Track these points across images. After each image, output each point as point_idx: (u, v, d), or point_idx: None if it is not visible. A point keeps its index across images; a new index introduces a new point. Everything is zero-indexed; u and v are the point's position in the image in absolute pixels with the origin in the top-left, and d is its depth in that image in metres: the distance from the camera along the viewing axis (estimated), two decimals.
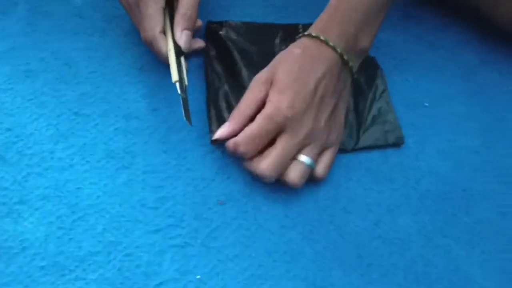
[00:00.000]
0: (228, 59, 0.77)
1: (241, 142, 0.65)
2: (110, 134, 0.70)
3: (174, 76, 0.71)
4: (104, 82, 0.74)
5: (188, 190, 0.66)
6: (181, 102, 0.70)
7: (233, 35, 0.79)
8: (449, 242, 0.67)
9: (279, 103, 0.63)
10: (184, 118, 0.68)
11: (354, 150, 0.74)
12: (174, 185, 0.66)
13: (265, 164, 0.66)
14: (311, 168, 0.68)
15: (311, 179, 0.69)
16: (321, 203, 0.68)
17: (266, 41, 0.80)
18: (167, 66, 0.76)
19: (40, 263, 0.59)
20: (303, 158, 0.66)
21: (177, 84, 0.71)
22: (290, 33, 0.83)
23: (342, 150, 0.73)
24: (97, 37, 0.79)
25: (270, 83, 0.65)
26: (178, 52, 0.73)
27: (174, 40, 0.74)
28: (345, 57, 0.67)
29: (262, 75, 0.66)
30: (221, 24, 0.82)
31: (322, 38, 0.67)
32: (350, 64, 0.68)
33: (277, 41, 0.81)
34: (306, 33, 0.70)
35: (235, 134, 0.65)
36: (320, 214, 0.67)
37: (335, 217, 0.67)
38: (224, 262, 0.62)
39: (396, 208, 0.69)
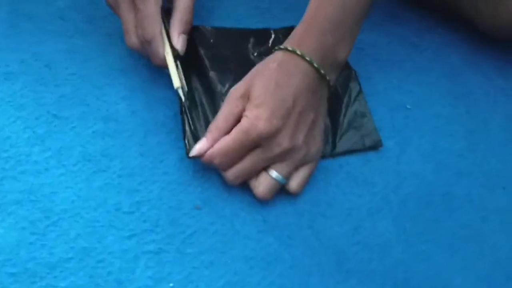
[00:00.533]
0: (200, 66, 0.73)
1: (216, 155, 0.63)
2: (88, 137, 0.67)
3: (176, 82, 0.68)
4: (84, 84, 0.71)
5: (164, 194, 0.63)
6: (183, 112, 0.69)
7: (205, 41, 0.76)
8: (430, 247, 0.64)
9: (255, 119, 0.61)
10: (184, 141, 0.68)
11: (332, 156, 0.70)
12: (150, 189, 0.64)
13: (231, 172, 0.64)
14: (281, 184, 0.65)
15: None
16: (300, 207, 0.66)
17: (238, 47, 0.77)
18: (148, 68, 0.74)
19: (11, 269, 0.57)
20: (274, 174, 0.64)
21: (180, 91, 0.69)
22: (262, 38, 0.80)
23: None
24: (79, 39, 0.76)
25: (247, 97, 0.62)
26: (175, 56, 0.69)
27: (170, 44, 0.70)
28: (322, 71, 0.64)
29: (238, 89, 0.63)
30: (195, 28, 0.78)
31: (298, 52, 0.63)
32: (327, 78, 0.65)
33: (250, 46, 0.77)
34: (282, 46, 0.66)
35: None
36: (299, 219, 0.64)
37: (314, 222, 0.65)
38: (199, 269, 0.59)
39: (376, 212, 0.66)
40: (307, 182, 0.67)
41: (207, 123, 0.69)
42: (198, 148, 0.64)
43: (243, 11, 0.86)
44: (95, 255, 0.59)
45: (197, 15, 0.81)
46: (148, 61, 0.74)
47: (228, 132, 0.63)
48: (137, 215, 0.62)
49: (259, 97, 0.62)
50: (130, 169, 0.65)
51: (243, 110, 0.64)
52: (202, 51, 0.74)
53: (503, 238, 0.67)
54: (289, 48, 0.65)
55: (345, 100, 0.76)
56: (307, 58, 0.64)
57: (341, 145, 0.72)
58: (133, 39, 0.68)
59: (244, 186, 0.66)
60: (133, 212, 0.62)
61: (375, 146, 0.73)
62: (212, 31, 0.77)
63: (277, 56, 0.66)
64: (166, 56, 0.69)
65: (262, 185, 0.64)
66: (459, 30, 0.89)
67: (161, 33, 0.69)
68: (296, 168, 0.66)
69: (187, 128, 0.67)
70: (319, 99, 0.66)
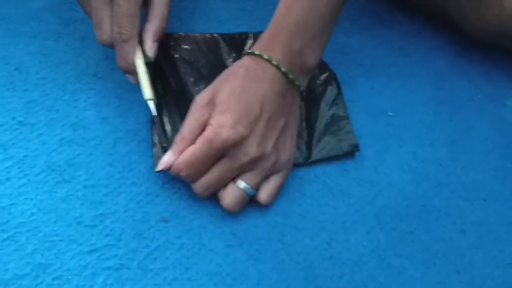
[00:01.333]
0: (174, 74, 0.68)
1: (182, 167, 0.59)
2: (54, 145, 0.62)
3: (147, 93, 0.63)
4: (54, 89, 0.67)
5: (130, 206, 0.59)
6: (153, 126, 0.64)
7: (179, 48, 0.71)
8: (403, 262, 0.60)
9: (220, 128, 0.56)
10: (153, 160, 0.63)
11: (308, 164, 0.65)
12: (116, 200, 0.59)
13: (199, 184, 0.60)
14: (249, 195, 0.60)
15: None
16: (271, 219, 0.61)
17: (213, 53, 0.72)
18: (121, 73, 0.69)
19: None
20: (242, 184, 0.59)
21: (151, 103, 0.64)
22: (238, 42, 0.75)
23: (295, 165, 0.64)
24: (52, 41, 0.72)
25: (213, 104, 0.58)
26: (146, 63, 0.64)
27: (141, 50, 0.65)
28: (291, 76, 0.60)
29: (204, 97, 0.59)
30: (168, 35, 0.73)
31: (265, 56, 0.59)
32: (297, 83, 0.61)
33: (224, 52, 0.72)
34: (249, 50, 0.62)
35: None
36: (269, 232, 0.60)
37: (285, 235, 0.60)
38: (161, 285, 0.56)
39: (350, 225, 0.62)
40: (278, 192, 0.63)
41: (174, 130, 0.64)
42: (164, 161, 0.59)
43: (226, 13, 0.81)
44: (52, 271, 0.54)
45: (177, 17, 0.76)
46: None
47: (194, 142, 0.58)
48: (99, 229, 0.57)
49: (224, 103, 0.58)
50: (96, 179, 0.61)
51: (209, 118, 0.58)
52: (176, 59, 0.69)
53: (481, 253, 0.62)
54: (256, 53, 0.61)
55: (322, 104, 0.71)
56: (274, 63, 0.60)
57: (317, 153, 0.68)
58: (106, 36, 0.62)
59: (215, 197, 0.61)
60: (95, 226, 0.57)
61: (353, 151, 0.68)
62: (185, 37, 0.72)
63: (244, 61, 0.61)
64: (136, 62, 0.63)
65: (229, 196, 0.60)
66: (447, 34, 0.84)
67: (137, 34, 0.63)
68: (266, 177, 0.62)
69: (156, 140, 0.62)
70: (289, 105, 0.62)
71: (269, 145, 0.60)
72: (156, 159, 0.61)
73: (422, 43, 0.84)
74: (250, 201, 0.62)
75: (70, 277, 0.54)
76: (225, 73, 0.62)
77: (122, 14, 0.62)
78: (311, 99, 0.70)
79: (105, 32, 0.63)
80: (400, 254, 0.61)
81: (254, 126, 0.59)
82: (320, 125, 0.69)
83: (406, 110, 0.75)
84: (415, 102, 0.76)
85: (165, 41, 0.72)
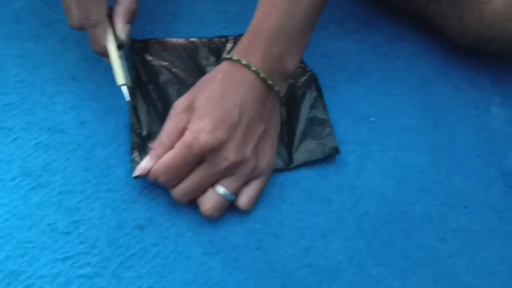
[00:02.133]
0: (157, 81, 0.68)
1: (160, 172, 0.58)
2: (30, 150, 0.62)
3: (120, 79, 0.63)
4: (32, 92, 0.66)
5: (105, 213, 0.58)
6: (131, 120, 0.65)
7: (160, 55, 0.70)
8: (382, 271, 0.60)
9: (198, 133, 0.56)
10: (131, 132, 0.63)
11: (289, 169, 0.64)
12: (91, 207, 0.59)
13: (177, 190, 0.59)
14: (229, 201, 0.60)
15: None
16: (250, 226, 0.61)
17: (193, 58, 0.71)
18: (102, 75, 0.70)
19: None
20: (221, 190, 0.59)
21: (124, 89, 0.63)
22: (218, 47, 0.75)
23: (275, 170, 0.65)
24: (31, 43, 0.71)
25: (191, 110, 0.58)
26: (118, 46, 0.64)
27: (114, 33, 0.64)
28: (270, 82, 0.60)
29: (182, 102, 0.59)
30: (146, 42, 0.72)
31: (243, 62, 0.59)
32: (276, 88, 0.61)
33: (203, 57, 0.72)
34: (227, 56, 0.62)
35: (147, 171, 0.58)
36: (247, 239, 0.59)
37: (263, 243, 0.60)
38: None
39: (329, 232, 0.61)
40: (258, 198, 0.63)
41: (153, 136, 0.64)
42: (142, 167, 0.59)
43: (211, 15, 0.81)
44: (24, 279, 0.54)
45: (160, 20, 0.76)
46: (103, 68, 0.70)
47: (172, 148, 0.58)
48: (73, 236, 0.57)
49: (202, 108, 0.58)
50: (72, 185, 0.60)
51: (188, 123, 0.58)
52: (154, 66, 0.69)
53: (462, 261, 0.62)
54: (235, 58, 0.60)
55: (302, 107, 0.71)
56: (253, 69, 0.60)
57: (298, 157, 0.67)
58: (75, 21, 0.62)
59: (193, 203, 0.60)
60: (69, 233, 0.57)
61: (333, 153, 0.67)
62: (163, 43, 0.71)
63: (222, 67, 0.61)
64: (108, 47, 0.63)
65: (208, 202, 0.60)
66: (432, 39, 0.84)
67: (106, 18, 0.63)
68: (246, 183, 0.62)
69: (135, 139, 0.61)
70: (269, 110, 0.62)
71: (248, 150, 0.60)
72: (134, 164, 0.61)
73: (407, 48, 0.84)
74: (229, 207, 0.61)
75: (42, 285, 0.54)
76: (204, 79, 0.62)
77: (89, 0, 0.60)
78: (291, 103, 0.70)
79: (74, 17, 0.63)
80: (379, 262, 0.61)
81: (233, 131, 0.59)
82: (300, 128, 0.69)
83: (390, 116, 0.74)
84: (399, 107, 0.75)
85: (143, 49, 0.71)
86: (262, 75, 0.59)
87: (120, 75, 0.62)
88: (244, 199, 0.61)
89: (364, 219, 0.64)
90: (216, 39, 0.75)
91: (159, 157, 0.58)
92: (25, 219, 0.58)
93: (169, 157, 0.58)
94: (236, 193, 0.61)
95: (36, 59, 0.71)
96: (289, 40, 0.61)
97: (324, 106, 0.71)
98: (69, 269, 0.55)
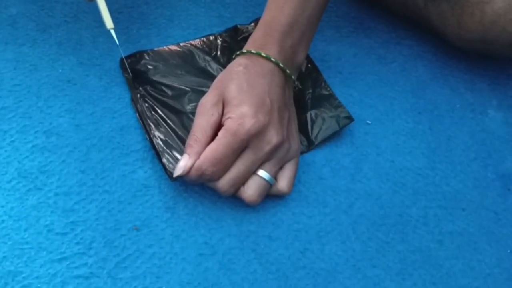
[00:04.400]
0: (156, 91, 0.70)
1: (207, 165, 0.59)
2: (26, 152, 0.63)
3: (109, 22, 0.67)
4: (28, 95, 0.68)
5: (101, 214, 0.60)
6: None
7: (152, 65, 0.72)
8: (379, 273, 0.61)
9: (242, 119, 0.59)
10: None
11: (313, 148, 0.71)
12: (87, 208, 0.60)
13: (223, 181, 0.61)
14: (270, 185, 0.63)
15: (274, 195, 0.65)
16: (245, 228, 0.62)
17: (190, 62, 0.73)
18: (97, 79, 0.71)
19: None
20: (263, 174, 0.61)
21: (113, 32, 0.68)
22: (209, 45, 0.78)
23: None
24: (28, 47, 0.73)
25: (221, 104, 0.61)
26: None
27: None
28: (288, 71, 0.65)
29: (208, 99, 0.61)
30: (136, 56, 0.74)
31: (263, 54, 0.63)
32: (293, 77, 0.66)
33: (200, 57, 0.74)
34: (244, 51, 0.65)
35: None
36: (242, 242, 0.61)
37: (258, 245, 0.61)
38: None
39: (325, 235, 0.63)
40: (295, 179, 0.66)
41: (179, 138, 0.67)
42: (182, 165, 0.59)
43: (205, 20, 0.83)
44: (21, 279, 0.55)
45: (155, 24, 0.77)
46: (98, 73, 0.72)
47: (209, 143, 0.60)
48: (70, 237, 0.58)
49: (237, 97, 0.60)
50: (68, 187, 0.62)
51: (219, 117, 0.61)
52: (153, 74, 0.71)
53: (459, 263, 0.63)
54: (253, 51, 0.64)
55: (306, 90, 0.75)
56: (273, 60, 0.64)
57: (316, 136, 0.72)
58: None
59: (188, 204, 0.62)
60: (66, 234, 0.59)
61: (347, 123, 0.72)
62: (155, 54, 0.74)
63: (240, 60, 0.65)
64: None
65: (250, 188, 0.62)
66: (429, 42, 0.86)
67: None
68: (281, 166, 0.64)
69: (159, 146, 0.65)
70: (289, 98, 0.67)
71: (284, 133, 0.63)
72: (167, 167, 0.63)
73: (403, 51, 0.86)
74: (225, 209, 0.64)
75: (39, 285, 0.55)
76: (223, 75, 0.65)
77: None
78: (297, 91, 0.74)
79: None
80: (375, 264, 0.62)
81: (270, 115, 0.61)
82: (310, 108, 0.73)
83: (386, 119, 0.76)
84: (395, 110, 0.77)
85: (136, 63, 0.73)
86: (281, 65, 0.64)
87: (109, 19, 0.66)
88: (284, 182, 0.64)
89: (360, 221, 0.65)
90: (204, 39, 0.77)
91: (197, 153, 0.59)
92: (21, 220, 0.59)
93: (213, 148, 0.59)
94: (275, 176, 0.64)
95: (32, 63, 0.73)
96: (301, 32, 0.67)
97: (325, 82, 0.76)
98: (66, 269, 0.57)
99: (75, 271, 0.57)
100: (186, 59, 0.74)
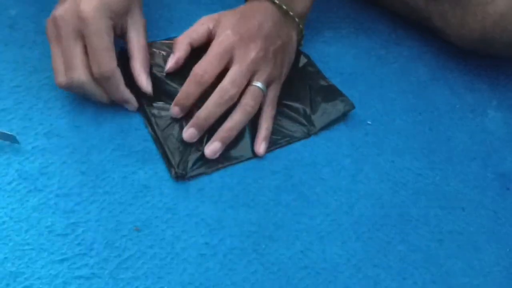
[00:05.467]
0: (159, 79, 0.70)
1: (202, 71, 0.66)
2: (27, 154, 0.64)
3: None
4: (28, 97, 0.68)
5: (102, 215, 0.60)
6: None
7: (159, 56, 0.73)
8: (379, 272, 0.61)
9: (226, 32, 0.67)
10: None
11: (315, 133, 0.74)
12: (88, 209, 0.60)
13: (224, 82, 0.66)
14: (263, 93, 0.68)
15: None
16: (245, 229, 0.62)
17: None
18: None
19: None
20: (257, 83, 0.67)
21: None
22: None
23: (300, 139, 0.73)
24: (27, 49, 0.73)
25: (213, 23, 0.69)
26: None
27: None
28: (284, 7, 0.70)
29: (204, 17, 0.70)
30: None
31: None
32: (291, 13, 0.71)
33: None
34: None
35: (180, 61, 0.70)
36: (243, 242, 0.61)
37: (259, 245, 0.62)
38: None
39: (326, 235, 0.63)
40: (276, 101, 0.72)
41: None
42: (169, 65, 0.71)
43: None
44: (23, 280, 0.56)
45: (155, 25, 0.78)
46: None
47: (190, 44, 0.70)
48: (71, 238, 0.59)
49: (227, 21, 0.68)
50: (69, 188, 0.62)
51: (209, 30, 0.70)
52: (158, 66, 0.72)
53: (459, 263, 0.64)
54: None
55: (306, 79, 0.78)
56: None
57: (318, 121, 0.74)
58: (82, 75, 0.64)
59: (189, 205, 0.63)
60: (67, 235, 0.59)
61: (349, 110, 0.75)
62: (162, 43, 0.74)
63: (239, 6, 0.72)
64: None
65: (247, 95, 0.68)
66: (429, 43, 0.87)
67: (118, 68, 0.65)
68: (268, 83, 0.69)
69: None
70: (285, 31, 0.72)
71: (270, 51, 0.68)
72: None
73: (403, 52, 0.86)
74: (226, 210, 0.65)
75: (41, 286, 0.56)
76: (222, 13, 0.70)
77: (97, 53, 0.63)
78: (294, 77, 0.76)
79: (81, 70, 0.64)
80: (376, 264, 0.62)
81: (256, 36, 0.68)
82: (311, 96, 0.75)
83: (386, 119, 0.76)
84: (395, 111, 0.78)
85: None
86: (276, 1, 0.70)
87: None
88: (269, 98, 0.71)
89: (361, 222, 0.66)
90: None
91: (180, 50, 0.70)
92: (22, 221, 0.60)
93: (207, 58, 0.68)
94: (266, 87, 0.69)
95: (32, 64, 0.73)
96: None
97: (324, 77, 0.78)
98: (67, 270, 0.57)
99: (76, 271, 0.57)
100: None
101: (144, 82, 0.68)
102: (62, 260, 0.57)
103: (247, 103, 0.66)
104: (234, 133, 0.66)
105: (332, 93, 0.76)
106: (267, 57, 0.67)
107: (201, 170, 0.66)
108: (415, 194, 0.69)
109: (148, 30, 0.71)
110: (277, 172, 0.69)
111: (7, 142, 0.64)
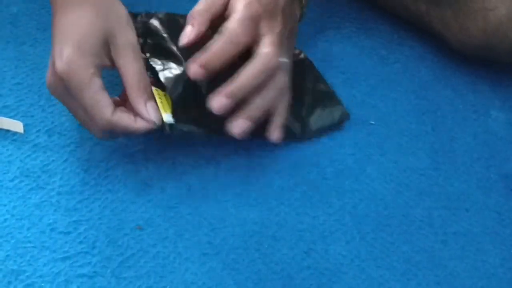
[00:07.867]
0: (165, 50, 0.68)
1: (209, 60, 0.61)
2: (28, 151, 0.63)
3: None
4: (29, 94, 0.68)
5: (104, 213, 0.60)
6: None
7: (163, 25, 0.71)
8: (383, 273, 0.61)
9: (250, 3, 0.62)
10: None
11: (308, 137, 0.72)
12: (90, 207, 0.60)
13: (263, 50, 0.63)
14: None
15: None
16: (248, 228, 0.62)
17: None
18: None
19: None
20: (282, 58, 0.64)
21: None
22: None
23: (292, 138, 0.71)
24: (29, 46, 0.73)
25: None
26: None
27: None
28: None
29: None
30: (147, 15, 0.73)
31: None
32: None
33: None
34: None
35: (200, 36, 0.63)
36: (246, 241, 0.61)
37: (262, 245, 0.61)
38: None
39: (329, 235, 0.63)
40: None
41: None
42: (187, 36, 0.65)
43: None
44: (24, 278, 0.55)
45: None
46: None
47: (210, 20, 0.64)
48: (73, 236, 0.58)
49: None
50: (71, 186, 0.62)
51: (224, 2, 0.65)
52: (163, 36, 0.71)
53: (463, 264, 0.63)
54: None
55: (307, 82, 0.76)
56: None
57: (312, 124, 0.72)
58: (96, 133, 0.63)
59: (192, 204, 0.63)
60: (69, 233, 0.59)
61: (344, 119, 0.74)
62: (166, 15, 0.73)
63: None
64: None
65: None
66: (431, 43, 0.87)
67: (117, 111, 0.61)
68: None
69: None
70: (291, 9, 0.68)
71: (288, 27, 0.66)
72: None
73: (405, 52, 0.86)
74: (229, 209, 0.64)
75: (42, 284, 0.55)
76: None
77: (89, 108, 0.60)
78: (295, 77, 0.73)
79: (90, 128, 0.63)
80: (380, 264, 0.62)
81: (275, 10, 0.65)
82: (309, 99, 0.74)
83: (389, 119, 0.76)
84: (398, 111, 0.77)
85: (147, 21, 0.72)
86: None
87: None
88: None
89: (364, 222, 0.65)
90: None
91: (200, 24, 0.64)
92: (24, 219, 0.59)
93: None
94: None
95: (33, 61, 0.73)
96: None
97: (325, 81, 0.77)
98: (69, 268, 0.57)
99: (78, 270, 0.57)
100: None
101: (144, 112, 0.61)
102: (64, 258, 0.57)
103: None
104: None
105: (330, 100, 0.75)
106: (286, 31, 0.65)
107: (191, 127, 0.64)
108: (418, 194, 0.69)
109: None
110: (280, 171, 0.68)
111: (8, 141, 0.63)
